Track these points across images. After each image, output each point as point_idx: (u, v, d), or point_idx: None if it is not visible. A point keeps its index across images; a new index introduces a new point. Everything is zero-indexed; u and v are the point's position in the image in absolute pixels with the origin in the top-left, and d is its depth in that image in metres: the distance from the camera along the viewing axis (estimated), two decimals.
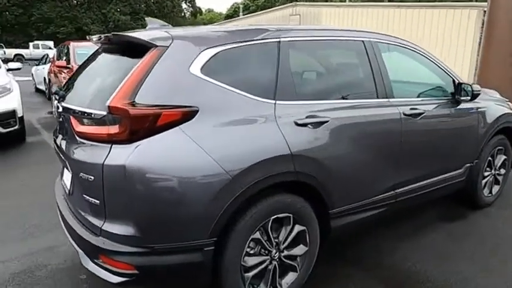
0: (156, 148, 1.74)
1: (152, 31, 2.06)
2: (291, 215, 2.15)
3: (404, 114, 2.61)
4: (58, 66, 8.09)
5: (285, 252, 2.20)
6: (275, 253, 2.15)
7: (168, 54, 1.86)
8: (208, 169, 1.81)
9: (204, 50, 1.94)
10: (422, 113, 2.73)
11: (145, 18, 2.38)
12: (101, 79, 2.07)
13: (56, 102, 2.08)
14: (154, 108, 1.74)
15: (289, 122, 2.08)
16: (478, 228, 3.22)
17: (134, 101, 1.72)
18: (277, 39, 2.19)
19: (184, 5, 55.30)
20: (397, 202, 2.73)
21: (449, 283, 2.47)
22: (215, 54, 1.97)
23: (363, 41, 2.58)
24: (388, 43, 2.78)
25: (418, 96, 2.94)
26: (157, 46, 1.86)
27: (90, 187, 1.83)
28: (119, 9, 45.48)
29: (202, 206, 1.80)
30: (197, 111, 1.84)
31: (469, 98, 3.02)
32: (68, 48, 8.29)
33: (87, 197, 1.87)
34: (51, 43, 39.88)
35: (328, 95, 2.35)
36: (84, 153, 1.87)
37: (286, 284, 2.24)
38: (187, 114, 1.81)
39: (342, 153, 2.30)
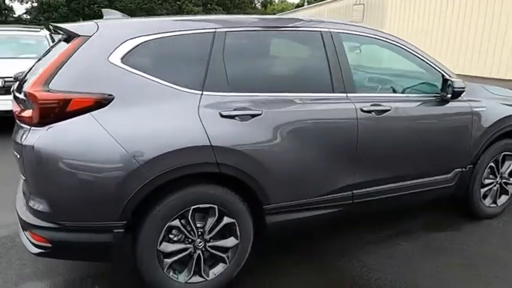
0: (65, 132, 1.86)
1: (86, 22, 2.18)
2: (215, 206, 2.15)
3: (362, 111, 2.44)
4: None
5: (212, 243, 2.21)
6: (199, 242, 2.17)
7: (89, 44, 1.96)
8: (117, 156, 1.88)
9: (127, 40, 2.01)
10: (388, 110, 2.52)
11: (102, 10, 2.48)
12: (41, 66, 2.24)
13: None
14: (64, 94, 1.85)
15: (214, 113, 2.07)
16: (464, 244, 2.90)
17: (48, 87, 1.86)
18: (213, 30, 2.18)
19: None
20: (355, 204, 2.57)
21: None
22: (139, 44, 2.03)
23: (320, 31, 2.45)
24: (358, 35, 2.60)
25: (393, 92, 2.72)
26: (79, 36, 1.97)
27: (19, 165, 2.02)
28: (192, 1, 47.26)
29: (108, 190, 1.89)
30: (112, 99, 1.92)
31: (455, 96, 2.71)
32: None
33: (21, 174, 2.06)
34: None
35: (266, 88, 2.27)
36: (16, 134, 2.05)
37: (214, 274, 2.25)
38: (100, 102, 1.90)
39: (278, 148, 2.23)
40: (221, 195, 2.16)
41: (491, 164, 3.12)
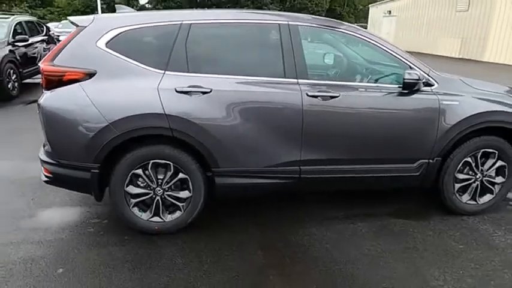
0: (60, 95, 2.60)
1: (91, 15, 2.88)
2: (171, 163, 2.73)
3: (308, 95, 2.73)
4: None
5: (169, 192, 2.80)
6: (159, 190, 2.78)
7: (84, 32, 2.66)
8: (93, 115, 2.56)
9: (111, 30, 2.66)
10: (336, 97, 2.77)
11: (116, 6, 3.19)
12: None
13: None
14: (60, 68, 2.59)
15: (171, 89, 2.62)
16: (421, 232, 2.99)
17: (53, 63, 2.61)
18: (179, 22, 2.72)
19: None
20: (303, 178, 2.89)
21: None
22: (120, 33, 2.67)
23: (279, 24, 2.80)
24: (316, 27, 2.88)
25: (351, 81, 2.92)
26: (78, 26, 2.69)
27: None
28: None
29: (86, 140, 2.58)
30: (95, 73, 2.60)
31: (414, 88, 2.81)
32: None
33: None
34: None
35: (220, 71, 2.72)
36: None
37: (171, 217, 2.84)
38: (86, 75, 2.59)
39: (225, 122, 2.69)
40: (175, 154, 2.71)
41: (468, 159, 3.08)
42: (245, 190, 2.94)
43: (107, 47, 2.65)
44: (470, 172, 3.15)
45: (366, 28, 29.90)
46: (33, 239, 2.79)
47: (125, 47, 2.68)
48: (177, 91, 2.62)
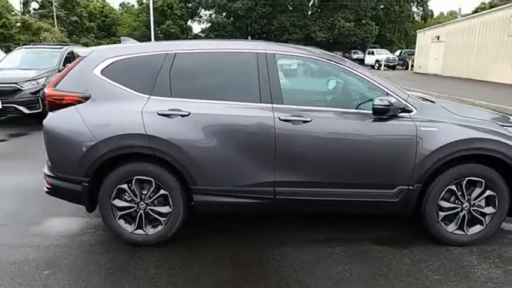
0: (59, 116, 2.96)
1: (93, 47, 3.25)
2: (152, 179, 2.96)
3: (280, 119, 2.87)
4: None
5: (151, 207, 3.02)
6: (142, 205, 3.01)
7: (84, 61, 3.03)
8: (85, 134, 2.89)
9: (106, 59, 3.01)
10: (309, 121, 2.87)
11: (121, 38, 3.57)
12: None
13: None
14: (60, 92, 2.96)
15: (153, 111, 2.89)
16: (397, 260, 2.94)
17: (56, 88, 2.99)
18: (165, 52, 3.01)
19: (415, 9, 52.81)
20: (278, 199, 2.99)
21: None
22: (113, 62, 3.01)
23: (256, 53, 3.00)
24: (293, 55, 3.04)
25: (326, 106, 3.01)
26: (79, 56, 3.07)
27: None
28: (345, 17, 47.77)
29: (77, 155, 2.90)
30: (89, 97, 2.94)
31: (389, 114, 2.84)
32: None
33: None
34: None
35: (199, 96, 2.95)
36: None
37: (153, 231, 3.05)
38: (82, 99, 2.94)
39: (202, 142, 2.89)
40: (157, 172, 2.95)
41: (452, 187, 3.01)
42: (222, 208, 3.09)
43: (101, 74, 2.99)
44: (456, 201, 3.06)
45: (412, 54, 29.63)
46: (33, 243, 3.12)
47: (117, 74, 3.00)
48: (158, 114, 2.88)
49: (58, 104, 2.97)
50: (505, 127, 3.03)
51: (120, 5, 66.39)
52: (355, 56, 37.51)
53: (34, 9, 54.16)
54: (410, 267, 2.84)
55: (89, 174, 2.93)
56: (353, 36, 48.08)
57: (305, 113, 2.91)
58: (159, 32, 53.71)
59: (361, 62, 33.04)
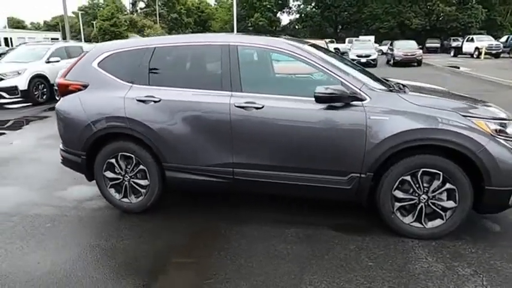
0: (66, 101, 3.63)
1: (93, 44, 3.84)
2: (133, 156, 3.47)
3: (235, 106, 3.12)
4: None
5: (134, 179, 3.54)
6: (126, 177, 3.55)
7: (86, 55, 3.65)
8: (82, 116, 3.51)
9: (102, 53, 3.59)
10: (261, 107, 3.08)
11: (128, 34, 4.13)
12: None
13: None
14: (68, 81, 3.62)
15: (133, 97, 3.38)
16: (338, 248, 3.00)
17: (65, 78, 3.67)
18: (146, 47, 3.47)
19: None
20: (236, 180, 3.27)
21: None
22: (107, 56, 3.57)
23: (221, 44, 3.28)
24: (254, 46, 3.25)
25: (282, 94, 3.15)
26: (84, 51, 3.69)
27: None
28: (445, 0, 43.66)
29: (77, 133, 3.53)
30: (87, 85, 3.55)
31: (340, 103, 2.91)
32: None
33: None
34: (371, 38, 43.68)
35: (170, 84, 3.35)
36: None
37: (135, 199, 3.58)
38: (82, 87, 3.56)
39: (169, 125, 3.29)
40: (136, 149, 3.45)
41: (406, 178, 2.95)
42: (190, 184, 3.46)
43: (98, 66, 3.57)
44: (413, 192, 2.99)
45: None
46: (51, 203, 3.89)
47: (109, 66, 3.56)
48: (136, 100, 3.37)
49: (65, 90, 3.65)
50: (468, 117, 2.85)
51: (216, 0, 69.96)
52: (454, 44, 34.12)
53: (140, 8, 60.20)
54: (350, 253, 2.89)
55: (85, 149, 3.56)
56: (454, 21, 43.77)
57: (258, 100, 3.12)
58: (249, 25, 55.52)
59: (459, 50, 30.10)
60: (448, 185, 2.91)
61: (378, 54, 24.27)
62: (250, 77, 3.28)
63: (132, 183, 3.56)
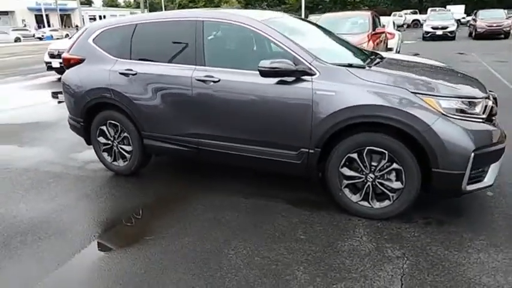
0: (68, 73, 4.10)
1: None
2: (118, 124, 3.85)
3: (196, 79, 3.28)
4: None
5: (121, 145, 3.94)
6: (114, 143, 3.96)
7: (85, 32, 4.06)
8: (79, 86, 3.96)
9: (96, 30, 3.96)
10: (217, 81, 3.20)
11: (130, 10, 4.43)
12: None
13: None
14: (69, 55, 4.07)
15: (117, 70, 3.72)
16: (282, 220, 3.07)
17: (69, 52, 4.14)
18: (130, 23, 3.76)
19: None
20: (201, 150, 3.47)
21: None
22: (100, 32, 3.94)
23: (189, 20, 3.43)
24: (220, 22, 3.35)
25: (239, 68, 3.22)
26: (85, 28, 4.11)
27: None
28: None
29: (77, 101, 4.01)
30: (84, 59, 3.98)
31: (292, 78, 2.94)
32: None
33: None
34: (460, 7, 39.47)
35: (145, 58, 3.60)
36: None
37: (123, 163, 3.99)
38: (80, 60, 4.00)
39: (143, 96, 3.58)
40: (120, 118, 3.82)
41: (353, 155, 2.88)
42: (163, 152, 3.77)
43: (92, 42, 3.97)
44: (360, 170, 2.92)
45: None
46: (62, 163, 4.49)
47: (101, 42, 3.93)
48: (119, 73, 3.70)
49: (68, 64, 4.12)
50: (417, 94, 2.67)
51: None
52: None
53: None
54: (290, 225, 2.96)
55: (82, 116, 4.03)
56: None
57: (216, 73, 3.24)
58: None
59: None
60: (395, 165, 2.79)
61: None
62: (214, 51, 3.39)
63: (120, 149, 3.96)
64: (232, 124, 3.28)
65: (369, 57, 3.53)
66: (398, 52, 12.73)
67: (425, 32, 21.22)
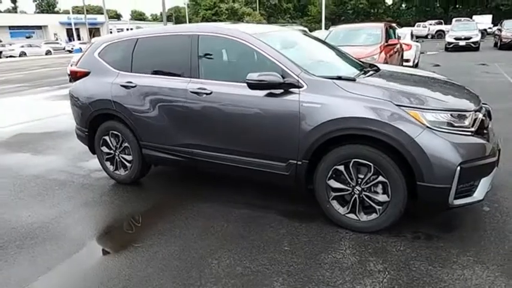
0: (76, 86, 4.28)
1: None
2: (119, 134, 3.99)
3: (191, 92, 3.37)
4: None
5: (122, 155, 4.07)
6: (116, 152, 4.10)
7: (91, 46, 4.25)
8: (84, 98, 4.13)
9: (102, 44, 4.14)
10: (210, 93, 3.28)
11: (137, 26, 4.61)
12: None
13: None
14: (77, 68, 4.26)
15: (118, 83, 3.87)
16: (270, 232, 3.08)
17: (77, 66, 4.33)
18: (132, 37, 3.91)
19: None
20: (195, 160, 3.55)
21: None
22: (105, 46, 4.11)
23: (186, 35, 3.54)
24: (214, 36, 3.44)
25: (230, 81, 3.28)
26: (92, 42, 4.30)
27: None
28: None
29: (82, 111, 4.18)
30: (89, 72, 4.16)
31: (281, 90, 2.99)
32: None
33: None
34: (487, 17, 38.72)
35: (144, 71, 3.73)
36: None
37: (124, 172, 4.12)
38: (86, 73, 4.18)
39: (141, 106, 3.70)
40: (121, 128, 3.96)
41: (339, 168, 2.88)
42: (160, 161, 3.86)
43: (98, 55, 4.14)
44: (346, 183, 2.91)
45: None
46: (69, 171, 4.67)
47: (105, 55, 4.10)
48: (120, 85, 3.85)
49: (75, 77, 4.31)
50: (402, 107, 2.65)
51: None
52: None
53: None
54: (277, 236, 2.97)
55: (86, 126, 4.20)
56: None
57: (209, 86, 3.33)
58: (348, 8, 53.45)
59: None
60: (381, 178, 2.77)
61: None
62: (208, 64, 3.48)
63: (121, 158, 4.09)
64: (224, 135, 3.35)
65: (363, 70, 3.54)
66: (417, 64, 12.56)
67: (448, 42, 20.83)
